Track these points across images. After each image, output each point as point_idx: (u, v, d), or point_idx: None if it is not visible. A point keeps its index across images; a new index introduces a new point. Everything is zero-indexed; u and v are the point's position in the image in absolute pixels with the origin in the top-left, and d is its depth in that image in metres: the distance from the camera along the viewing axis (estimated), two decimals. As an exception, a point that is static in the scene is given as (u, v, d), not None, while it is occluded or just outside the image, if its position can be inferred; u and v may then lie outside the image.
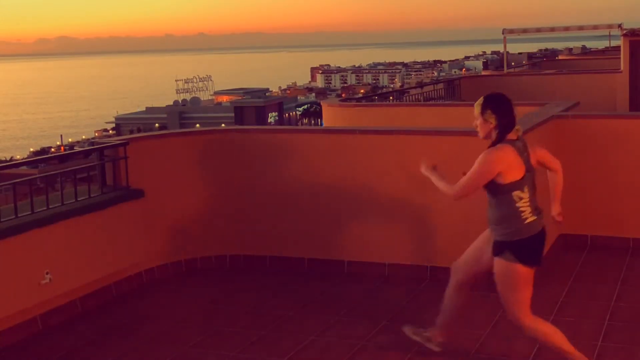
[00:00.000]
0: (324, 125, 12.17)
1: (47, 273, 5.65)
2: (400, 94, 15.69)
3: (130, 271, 6.60)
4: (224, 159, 7.10)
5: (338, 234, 6.88)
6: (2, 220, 5.54)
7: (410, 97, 14.71)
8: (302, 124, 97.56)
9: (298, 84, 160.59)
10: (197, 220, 7.11)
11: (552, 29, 24.08)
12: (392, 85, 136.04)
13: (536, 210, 4.37)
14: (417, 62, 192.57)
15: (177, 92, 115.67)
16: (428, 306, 5.92)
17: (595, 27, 24.01)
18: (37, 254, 5.62)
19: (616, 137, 7.28)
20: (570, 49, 62.30)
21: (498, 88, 17.31)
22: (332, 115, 11.31)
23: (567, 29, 23.13)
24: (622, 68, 15.61)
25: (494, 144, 4.33)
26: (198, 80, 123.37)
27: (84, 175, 7.00)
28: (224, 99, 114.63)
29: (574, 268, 6.72)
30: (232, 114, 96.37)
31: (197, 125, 76.77)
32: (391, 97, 14.81)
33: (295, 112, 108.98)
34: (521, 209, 4.28)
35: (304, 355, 5.10)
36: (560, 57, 31.35)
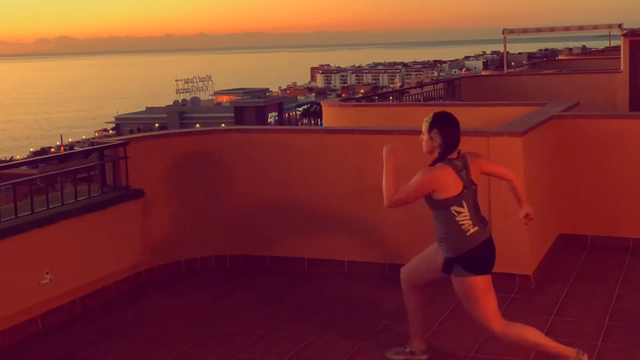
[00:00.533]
0: (324, 125, 12.17)
1: (47, 273, 5.65)
2: (400, 94, 15.69)
3: (130, 271, 6.60)
4: (224, 159, 7.10)
5: (338, 234, 6.88)
6: (2, 220, 5.54)
7: (410, 97, 14.71)
8: (302, 124, 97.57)
9: (298, 84, 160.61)
10: (197, 220, 7.11)
11: (552, 29, 24.09)
12: (392, 85, 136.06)
13: (480, 222, 4.50)
14: (417, 62, 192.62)
15: (177, 92, 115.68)
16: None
17: (595, 27, 24.02)
18: (37, 254, 5.62)
19: (616, 137, 7.28)
20: (570, 49, 62.31)
21: (498, 88, 17.39)
22: (332, 115, 11.31)
23: (567, 29, 23.13)
24: (622, 68, 15.61)
25: (435, 162, 4.49)
26: (198, 80, 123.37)
27: (84, 175, 7.00)
28: (224, 99, 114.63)
29: (574, 268, 6.72)
30: (232, 114, 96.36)
31: (197, 125, 76.78)
32: (391, 97, 14.81)
33: (295, 112, 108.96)
34: (461, 222, 4.43)
35: (304, 355, 5.10)
36: (560, 57, 31.36)
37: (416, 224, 6.64)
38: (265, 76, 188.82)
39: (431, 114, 4.54)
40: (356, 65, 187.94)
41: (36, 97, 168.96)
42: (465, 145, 6.42)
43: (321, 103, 12.50)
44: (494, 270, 6.42)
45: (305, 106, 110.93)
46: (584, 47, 79.71)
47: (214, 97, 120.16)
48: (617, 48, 20.67)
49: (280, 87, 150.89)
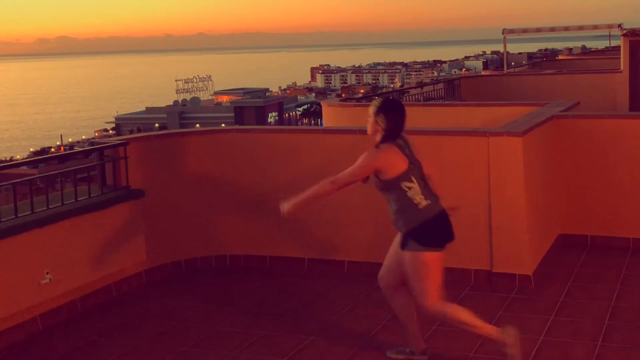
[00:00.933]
0: (324, 125, 12.16)
1: (47, 273, 5.64)
2: (400, 94, 15.68)
3: (130, 271, 6.60)
4: (224, 159, 7.10)
5: (338, 234, 6.88)
6: (2, 220, 5.54)
7: (410, 97, 14.70)
8: (302, 124, 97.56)
9: (298, 84, 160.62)
10: (197, 220, 7.11)
11: (552, 29, 24.08)
12: (392, 85, 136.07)
13: (431, 196, 4.61)
14: (417, 62, 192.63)
15: (177, 92, 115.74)
16: (428, 306, 5.93)
17: (595, 27, 24.01)
18: (37, 254, 5.62)
19: (616, 137, 7.28)
20: (570, 49, 62.33)
21: (498, 88, 17.40)
22: (332, 115, 11.31)
23: (567, 29, 23.13)
24: (622, 68, 15.61)
25: (379, 144, 4.62)
26: (198, 80, 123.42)
27: (84, 175, 7.00)
28: (224, 99, 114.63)
29: (574, 268, 6.72)
30: (232, 114, 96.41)
31: (197, 125, 76.78)
32: (391, 97, 14.79)
33: (295, 112, 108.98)
34: (412, 197, 4.54)
35: (304, 355, 5.10)
36: (560, 57, 31.36)
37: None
38: (265, 76, 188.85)
39: (380, 99, 4.73)
40: (356, 65, 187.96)
41: (36, 97, 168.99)
42: (465, 145, 6.46)
43: (321, 103, 12.50)
44: (495, 270, 6.46)
45: (305, 106, 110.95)
46: (584, 47, 79.71)
47: (214, 97, 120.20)
48: (617, 48, 20.68)
49: (280, 87, 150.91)
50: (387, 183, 4.58)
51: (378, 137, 4.65)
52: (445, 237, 4.62)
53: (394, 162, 4.54)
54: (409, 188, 4.54)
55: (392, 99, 4.78)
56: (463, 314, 4.62)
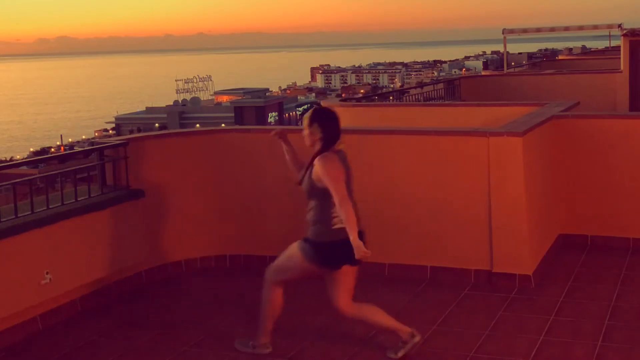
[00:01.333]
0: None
1: (47, 273, 5.64)
2: (400, 94, 15.66)
3: (130, 271, 6.60)
4: (224, 159, 7.10)
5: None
6: (2, 220, 5.54)
7: (410, 97, 14.69)
8: (302, 124, 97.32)
9: (298, 84, 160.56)
10: (197, 220, 7.11)
11: (552, 29, 24.07)
12: (392, 85, 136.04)
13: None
14: (417, 62, 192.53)
15: (177, 92, 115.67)
16: (428, 306, 5.93)
17: (595, 27, 24.01)
18: (37, 254, 5.62)
19: (616, 137, 7.28)
20: (570, 49, 62.33)
21: (498, 88, 17.38)
22: (332, 115, 11.28)
23: (567, 29, 23.12)
24: (622, 68, 15.61)
25: (319, 153, 4.67)
26: (198, 80, 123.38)
27: (84, 175, 7.00)
28: (224, 99, 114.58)
29: (574, 268, 6.72)
30: (232, 114, 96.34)
31: (197, 125, 76.77)
32: (391, 97, 14.79)
33: (295, 112, 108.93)
34: (333, 215, 4.62)
35: (304, 355, 5.11)
36: (560, 57, 31.36)
37: (416, 223, 6.65)
38: (265, 76, 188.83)
39: (311, 110, 4.80)
40: (356, 65, 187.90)
41: (36, 97, 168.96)
42: (466, 145, 6.46)
43: (321, 103, 12.50)
44: (495, 270, 6.47)
45: (305, 106, 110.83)
46: (584, 47, 79.68)
47: (214, 97, 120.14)
48: (617, 48, 20.68)
49: (280, 87, 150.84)
50: (321, 191, 4.63)
51: (317, 147, 4.70)
52: (335, 263, 4.74)
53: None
54: (335, 204, 4.57)
55: (325, 107, 4.87)
56: (270, 301, 4.97)
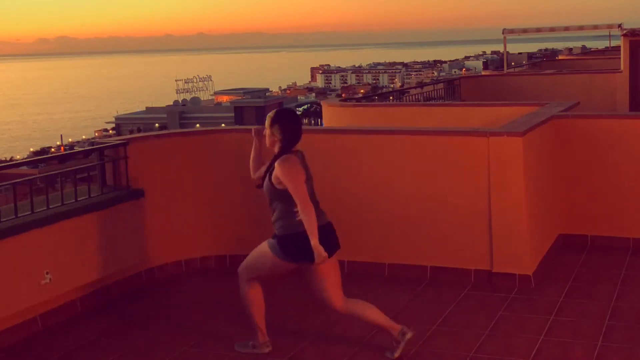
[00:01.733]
0: (324, 125, 12.16)
1: (47, 273, 5.64)
2: (400, 94, 15.66)
3: (130, 271, 6.60)
4: (224, 159, 7.10)
5: (338, 233, 6.85)
6: (2, 220, 5.53)
7: (410, 97, 14.69)
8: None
9: (298, 84, 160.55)
10: (197, 220, 7.11)
11: (552, 29, 24.07)
12: (392, 85, 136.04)
13: (316, 213, 4.69)
14: (417, 62, 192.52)
15: (177, 92, 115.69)
16: (428, 306, 5.93)
17: (595, 27, 24.00)
18: (37, 254, 5.62)
19: (616, 137, 7.28)
20: (570, 49, 62.31)
21: (498, 88, 17.37)
22: (332, 115, 11.31)
23: (567, 29, 23.12)
24: (622, 68, 15.61)
25: (278, 155, 4.74)
26: (198, 80, 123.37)
27: (84, 175, 7.00)
28: (224, 99, 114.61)
29: (574, 268, 6.72)
30: (232, 114, 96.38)
31: (197, 125, 76.76)
32: (391, 97, 14.79)
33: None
34: (296, 209, 4.70)
35: (304, 355, 5.10)
36: (560, 57, 31.36)
37: (416, 223, 6.65)
38: (265, 76, 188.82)
39: (274, 111, 4.85)
40: (356, 65, 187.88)
41: (36, 97, 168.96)
42: (466, 145, 6.46)
43: (321, 103, 12.49)
44: (495, 270, 6.46)
45: (305, 106, 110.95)
46: (584, 47, 79.65)
47: (214, 97, 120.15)
48: (617, 48, 20.68)
49: (280, 87, 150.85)
50: (282, 192, 4.70)
51: (276, 149, 4.76)
52: (303, 256, 4.72)
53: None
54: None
55: (286, 108, 4.95)
56: (253, 301, 5.00)
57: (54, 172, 6.49)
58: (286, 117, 4.80)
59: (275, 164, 4.71)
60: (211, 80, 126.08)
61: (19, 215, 5.64)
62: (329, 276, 4.86)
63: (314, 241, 4.61)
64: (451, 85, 16.14)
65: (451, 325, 5.52)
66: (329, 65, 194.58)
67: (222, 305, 6.16)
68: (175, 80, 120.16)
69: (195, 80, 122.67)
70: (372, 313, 4.94)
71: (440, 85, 15.95)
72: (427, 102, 13.59)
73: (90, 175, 6.99)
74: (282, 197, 4.73)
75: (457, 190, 6.47)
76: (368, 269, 6.77)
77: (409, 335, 4.91)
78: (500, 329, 5.40)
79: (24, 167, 40.34)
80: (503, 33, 21.47)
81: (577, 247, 7.30)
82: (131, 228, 6.50)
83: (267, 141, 4.81)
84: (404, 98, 14.90)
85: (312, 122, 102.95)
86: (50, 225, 5.73)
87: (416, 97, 14.37)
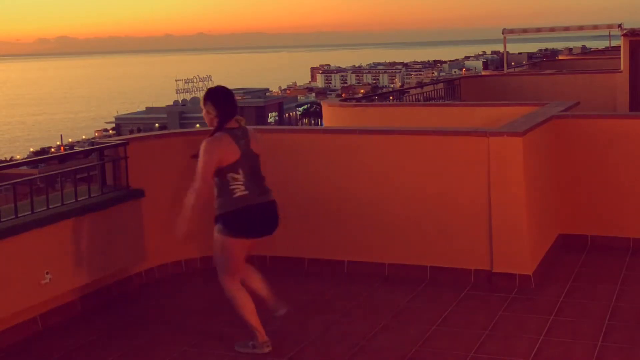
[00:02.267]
0: (324, 125, 12.16)
1: (47, 273, 5.64)
2: (400, 94, 15.66)
3: (130, 271, 6.60)
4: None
5: (338, 234, 6.88)
6: (2, 220, 5.53)
7: (410, 97, 14.70)
8: (302, 124, 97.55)
9: (298, 84, 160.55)
10: (197, 220, 7.08)
11: (552, 29, 24.07)
12: (392, 85, 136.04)
13: (255, 188, 4.90)
14: (417, 62, 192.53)
15: (177, 92, 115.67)
16: (428, 306, 5.93)
17: (595, 27, 24.01)
18: (37, 254, 5.62)
19: (616, 137, 7.28)
20: (570, 49, 62.35)
21: (498, 88, 17.36)
22: (332, 115, 11.31)
23: (567, 29, 23.13)
24: (622, 68, 15.61)
25: (213, 132, 4.88)
26: (198, 80, 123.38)
27: (84, 175, 6.99)
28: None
29: (574, 268, 6.72)
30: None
31: (197, 125, 76.73)
32: (391, 97, 14.80)
33: (295, 112, 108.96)
34: (232, 187, 4.85)
35: (304, 355, 5.10)
36: (560, 57, 31.37)
37: (416, 223, 6.65)
38: (265, 76, 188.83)
39: (206, 89, 5.00)
40: (356, 65, 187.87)
41: (36, 97, 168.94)
42: (466, 145, 6.46)
43: (321, 103, 12.50)
44: (495, 270, 6.46)
45: (305, 106, 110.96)
46: (584, 47, 79.69)
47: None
48: (617, 48, 20.67)
49: (280, 87, 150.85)
50: (217, 170, 4.83)
51: (215, 124, 4.90)
52: (252, 229, 4.92)
53: (227, 152, 4.80)
54: (234, 179, 4.83)
55: (217, 87, 5.01)
56: (243, 304, 5.03)
57: (54, 172, 6.49)
58: (217, 94, 4.92)
59: None
60: (211, 80, 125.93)
61: (19, 215, 5.64)
62: (235, 256, 4.98)
63: (182, 215, 4.96)
64: (451, 85, 16.14)
65: (451, 325, 5.52)
66: (329, 65, 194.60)
67: (222, 305, 6.13)
68: (175, 80, 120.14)
69: (195, 80, 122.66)
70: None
71: (440, 85, 15.95)
72: (427, 102, 13.59)
73: (90, 175, 6.98)
74: (218, 174, 4.84)
75: (457, 190, 6.47)
76: (368, 269, 6.77)
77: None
78: (500, 329, 5.40)
79: (24, 167, 40.33)
80: (503, 33, 21.47)
81: (577, 247, 7.30)
82: (131, 228, 6.50)
83: (206, 120, 4.96)
84: (404, 98, 14.91)
85: (312, 122, 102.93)
86: (50, 225, 5.72)
87: (416, 97, 14.37)
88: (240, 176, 4.85)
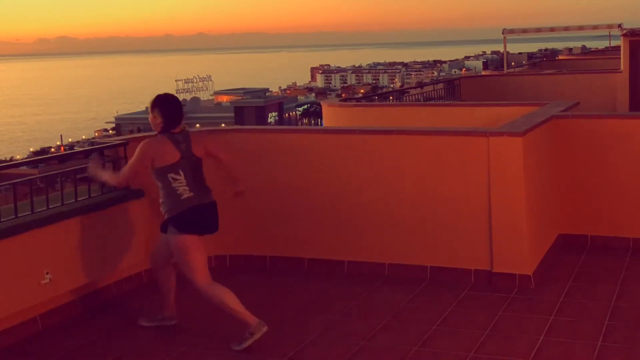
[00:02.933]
0: (324, 125, 12.16)
1: (47, 273, 5.64)
2: (400, 94, 15.66)
3: (130, 271, 6.59)
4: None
5: (338, 234, 6.88)
6: (2, 220, 5.53)
7: (410, 97, 14.69)
8: (302, 124, 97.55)
9: (298, 84, 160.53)
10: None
11: (552, 29, 24.06)
12: (392, 85, 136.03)
13: (198, 189, 5.20)
14: (417, 62, 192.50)
15: (177, 92, 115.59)
16: (428, 306, 5.93)
17: (595, 27, 23.99)
18: (37, 254, 5.62)
19: (616, 137, 7.28)
20: (570, 49, 62.33)
21: (498, 88, 17.38)
22: (332, 115, 11.31)
23: (567, 29, 23.12)
24: (622, 68, 15.61)
25: (156, 135, 5.21)
26: (198, 80, 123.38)
27: (84, 175, 6.99)
28: (224, 99, 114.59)
29: (574, 268, 6.72)
30: (232, 114, 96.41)
31: (197, 125, 76.73)
32: (391, 97, 14.80)
33: (295, 112, 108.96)
34: (176, 188, 5.13)
35: (304, 355, 5.10)
36: (560, 57, 31.36)
37: (416, 223, 6.65)
38: (265, 76, 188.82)
39: (155, 96, 5.26)
40: (356, 65, 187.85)
41: (36, 97, 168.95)
42: (466, 145, 6.46)
43: (321, 103, 12.50)
44: (495, 270, 6.47)
45: (305, 106, 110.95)
46: (584, 47, 79.66)
47: (214, 97, 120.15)
48: (617, 48, 20.67)
49: (280, 87, 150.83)
50: (156, 171, 5.15)
51: (159, 129, 5.18)
52: (201, 226, 5.22)
53: (164, 153, 5.09)
54: (174, 179, 5.11)
55: (165, 94, 5.29)
56: (228, 297, 5.20)
57: (54, 172, 6.49)
58: (164, 102, 5.19)
59: None
60: (211, 80, 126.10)
61: (19, 215, 5.64)
62: (195, 252, 5.19)
63: (105, 174, 5.54)
64: (451, 85, 16.14)
65: (451, 325, 5.52)
66: (329, 65, 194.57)
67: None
68: (175, 80, 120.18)
69: (195, 80, 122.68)
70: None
71: (440, 85, 15.95)
72: (427, 102, 13.59)
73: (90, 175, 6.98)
74: (157, 175, 5.16)
75: (457, 190, 6.47)
76: (368, 269, 6.77)
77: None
78: (500, 329, 5.40)
79: (24, 167, 40.27)
80: (503, 33, 21.47)
81: (577, 247, 7.30)
82: (131, 228, 6.49)
83: (152, 124, 5.23)
84: (404, 98, 14.91)
85: (312, 122, 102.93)
86: (50, 225, 5.72)
87: (416, 97, 14.37)
88: (181, 177, 5.12)
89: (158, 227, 6.81)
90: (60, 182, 6.04)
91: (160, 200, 5.21)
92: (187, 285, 6.73)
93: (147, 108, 5.38)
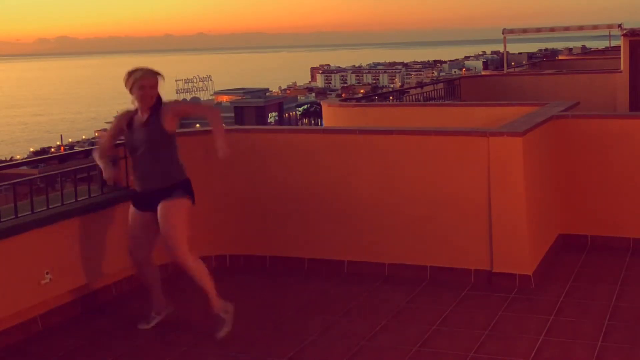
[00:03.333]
0: (324, 125, 12.16)
1: (47, 273, 5.64)
2: (400, 94, 15.66)
3: (130, 271, 6.58)
4: (223, 159, 7.08)
5: (338, 234, 6.88)
6: (2, 220, 5.53)
7: (410, 97, 14.69)
8: (302, 124, 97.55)
9: (298, 84, 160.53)
10: (197, 220, 7.08)
11: (552, 29, 24.06)
12: (392, 85, 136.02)
13: None
14: (417, 62, 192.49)
15: (177, 92, 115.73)
16: (428, 306, 5.93)
17: (595, 27, 23.99)
18: (37, 254, 5.62)
19: (616, 137, 7.28)
20: (570, 49, 62.33)
21: (498, 88, 17.37)
22: (332, 115, 11.31)
23: (567, 29, 23.12)
24: (622, 68, 15.61)
25: (157, 103, 5.49)
26: (198, 80, 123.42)
27: (84, 175, 6.99)
28: (224, 99, 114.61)
29: (574, 268, 6.72)
30: (232, 114, 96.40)
31: (197, 125, 76.70)
32: (391, 97, 14.80)
33: (295, 112, 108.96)
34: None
35: (304, 355, 5.10)
36: (560, 57, 31.37)
37: (416, 223, 6.65)
38: (265, 76, 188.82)
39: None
40: (356, 65, 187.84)
41: (36, 97, 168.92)
42: (466, 145, 6.46)
43: (321, 103, 12.49)
44: (495, 270, 6.47)
45: (305, 106, 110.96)
46: (584, 47, 79.64)
47: (214, 97, 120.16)
48: (617, 48, 20.67)
49: (280, 87, 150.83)
50: (172, 136, 5.38)
51: (153, 101, 5.43)
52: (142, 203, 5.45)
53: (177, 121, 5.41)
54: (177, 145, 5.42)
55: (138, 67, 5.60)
56: (206, 273, 5.40)
57: (54, 172, 6.49)
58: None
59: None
60: (211, 80, 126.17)
61: (19, 215, 5.64)
62: (187, 221, 5.41)
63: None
64: (451, 85, 16.14)
65: (451, 325, 5.52)
66: (329, 65, 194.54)
67: (222, 305, 6.15)
68: (175, 80, 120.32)
69: (195, 80, 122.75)
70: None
71: (440, 85, 15.95)
72: (427, 102, 13.59)
73: (90, 175, 6.98)
74: (172, 140, 5.39)
75: (457, 190, 6.47)
76: (368, 269, 6.77)
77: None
78: (500, 329, 5.40)
79: (24, 167, 40.26)
80: (503, 33, 21.47)
81: (577, 247, 7.30)
82: (131, 228, 6.49)
83: (151, 93, 5.56)
84: (404, 98, 14.90)
85: (312, 122, 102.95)
86: (50, 225, 5.73)
87: (416, 97, 14.37)
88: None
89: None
90: (60, 182, 6.04)
91: (165, 168, 5.37)
92: (185, 288, 6.73)
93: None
